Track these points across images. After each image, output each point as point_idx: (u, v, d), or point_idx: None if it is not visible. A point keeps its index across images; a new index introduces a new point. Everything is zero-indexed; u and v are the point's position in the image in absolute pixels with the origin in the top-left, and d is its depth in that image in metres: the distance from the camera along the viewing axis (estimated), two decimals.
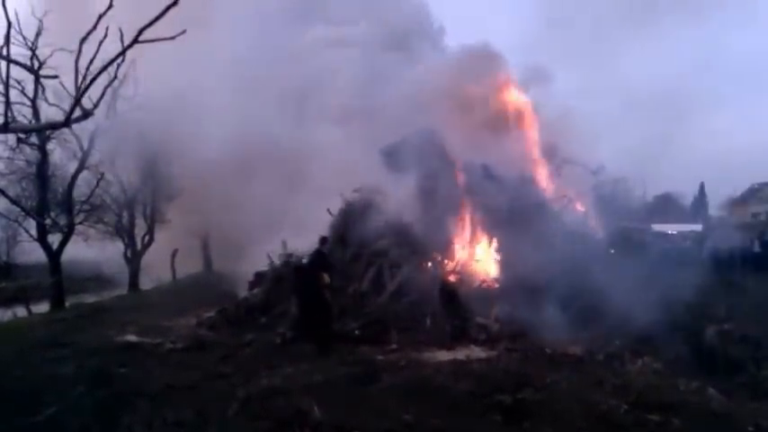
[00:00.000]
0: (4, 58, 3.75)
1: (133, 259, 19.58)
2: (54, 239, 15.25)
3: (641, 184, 31.32)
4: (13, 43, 10.13)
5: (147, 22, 3.52)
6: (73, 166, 15.47)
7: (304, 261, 8.05)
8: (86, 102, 4.27)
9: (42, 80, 10.56)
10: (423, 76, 13.46)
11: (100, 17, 3.51)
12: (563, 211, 12.00)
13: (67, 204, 15.40)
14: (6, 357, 7.47)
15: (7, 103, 3.91)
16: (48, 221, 14.77)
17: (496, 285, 9.56)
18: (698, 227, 40.14)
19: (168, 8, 3.28)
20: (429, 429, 4.34)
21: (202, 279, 18.23)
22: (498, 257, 10.13)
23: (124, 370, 6.27)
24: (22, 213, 15.50)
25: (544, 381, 5.31)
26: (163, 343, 7.98)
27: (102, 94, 4.25)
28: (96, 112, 4.63)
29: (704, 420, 4.47)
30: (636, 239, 14.00)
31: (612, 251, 11.80)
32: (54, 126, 10.08)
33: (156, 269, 20.47)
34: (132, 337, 8.44)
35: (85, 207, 16.85)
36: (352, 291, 9.03)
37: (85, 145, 14.90)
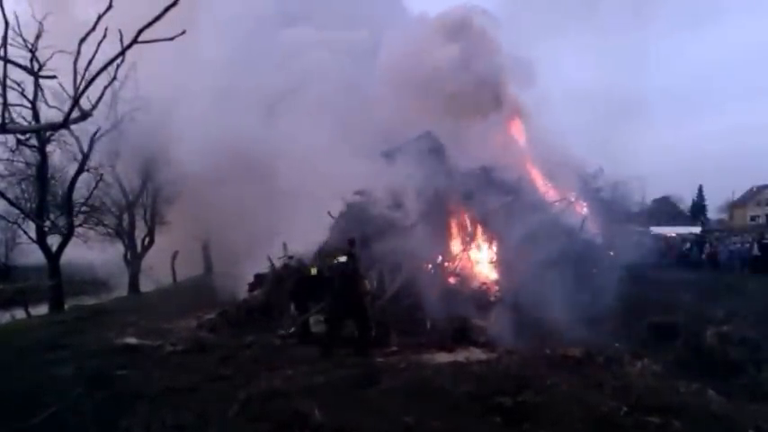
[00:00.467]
0: (1, 58, 3.75)
1: (133, 261, 19.58)
2: (53, 241, 15.24)
3: (640, 186, 31.40)
4: (13, 45, 10.20)
5: (145, 22, 3.53)
6: (73, 168, 15.49)
7: (339, 263, 7.57)
8: (86, 103, 4.28)
9: (42, 82, 10.63)
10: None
11: (99, 18, 3.51)
12: (563, 213, 12.00)
13: (67, 206, 15.40)
14: (5, 359, 7.46)
15: (5, 104, 3.91)
16: (47, 223, 14.76)
17: (496, 288, 9.56)
18: (697, 229, 40.26)
19: (168, 8, 3.29)
20: (429, 431, 4.33)
21: (202, 281, 18.21)
22: (498, 260, 10.14)
23: (124, 372, 6.26)
24: (22, 215, 15.52)
25: (544, 383, 5.30)
26: (163, 345, 7.97)
27: (101, 95, 4.25)
28: (96, 113, 4.64)
29: (704, 422, 4.46)
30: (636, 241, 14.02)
31: (612, 253, 11.81)
32: (52, 127, 10.11)
33: (157, 271, 20.47)
34: (132, 340, 8.42)
35: (85, 209, 16.87)
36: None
37: (85, 147, 14.91)
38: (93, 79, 3.73)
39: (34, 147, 14.11)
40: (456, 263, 10.03)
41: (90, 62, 3.70)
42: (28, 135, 12.81)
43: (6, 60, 3.82)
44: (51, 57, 10.38)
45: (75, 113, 4.07)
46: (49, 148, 14.60)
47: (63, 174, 16.39)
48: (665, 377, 5.88)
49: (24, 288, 16.99)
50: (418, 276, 9.20)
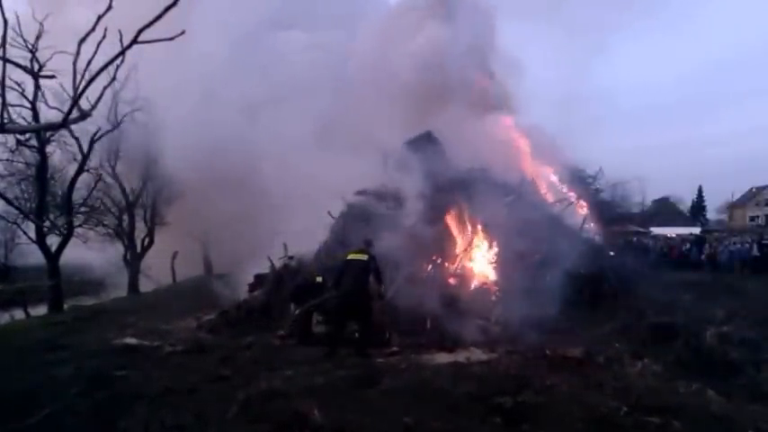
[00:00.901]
0: (0, 58, 3.75)
1: (133, 262, 19.56)
2: (53, 242, 15.23)
3: (640, 187, 31.50)
4: (14, 45, 10.21)
5: (141, 22, 3.54)
6: (72, 169, 15.49)
7: (359, 261, 7.38)
8: (86, 104, 4.29)
9: (43, 83, 10.62)
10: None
11: (99, 18, 3.52)
12: (564, 213, 12.02)
13: (67, 207, 15.40)
14: (5, 359, 7.45)
15: (3, 104, 3.90)
16: (46, 224, 14.75)
17: (496, 288, 9.56)
18: (696, 230, 40.33)
19: (168, 9, 3.30)
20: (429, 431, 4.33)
21: (202, 282, 18.19)
22: (498, 260, 10.14)
23: (123, 372, 6.24)
24: (21, 215, 15.52)
25: (544, 383, 5.30)
26: (162, 345, 7.95)
27: (101, 96, 4.26)
28: (96, 113, 4.64)
29: (704, 423, 4.46)
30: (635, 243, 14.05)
31: (612, 254, 11.83)
32: (51, 127, 10.11)
33: (156, 272, 20.46)
34: (131, 340, 8.40)
35: (84, 209, 16.87)
36: None
37: (85, 147, 14.91)
38: (92, 79, 3.74)
39: (34, 147, 14.11)
40: (456, 263, 10.03)
41: (89, 62, 3.70)
42: (28, 135, 12.82)
43: (6, 60, 3.82)
44: (51, 57, 10.38)
45: (75, 114, 4.07)
46: (48, 148, 14.61)
47: (63, 174, 16.40)
48: (665, 377, 5.88)
49: (24, 288, 16.98)
50: (418, 276, 9.19)
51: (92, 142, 14.88)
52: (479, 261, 10.27)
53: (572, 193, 12.88)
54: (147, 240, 20.48)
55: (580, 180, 14.49)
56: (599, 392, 5.14)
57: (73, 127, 11.71)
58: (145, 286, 19.83)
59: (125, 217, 19.41)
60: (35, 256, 16.45)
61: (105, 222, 18.89)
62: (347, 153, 11.67)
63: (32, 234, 15.19)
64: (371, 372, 6.06)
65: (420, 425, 4.38)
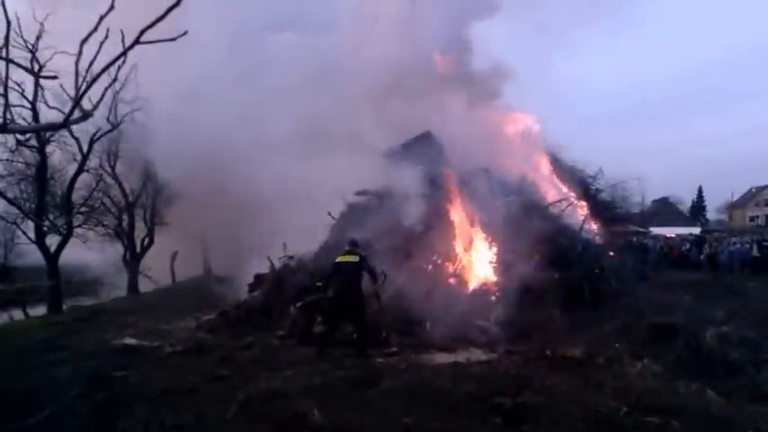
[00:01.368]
0: (2, 58, 3.75)
1: (132, 262, 19.56)
2: (52, 242, 15.23)
3: (640, 188, 31.52)
4: (14, 46, 10.20)
5: (140, 22, 3.54)
6: (72, 169, 15.49)
7: (349, 263, 7.42)
8: (86, 104, 4.29)
9: (43, 83, 10.61)
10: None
11: (101, 18, 3.52)
12: (563, 214, 12.01)
13: (66, 207, 15.39)
14: (4, 360, 7.44)
15: (6, 105, 3.91)
16: (46, 223, 14.75)
17: (496, 288, 9.56)
18: (696, 230, 40.34)
19: (170, 9, 3.30)
20: None
21: (202, 282, 18.19)
22: (498, 260, 10.14)
23: (122, 373, 6.24)
24: (20, 215, 15.51)
25: (544, 383, 5.30)
26: (162, 346, 7.95)
27: (102, 96, 4.26)
28: (96, 113, 4.64)
29: (704, 423, 4.46)
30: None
31: (612, 254, 11.83)
32: (53, 127, 10.12)
33: (156, 272, 20.45)
34: (131, 340, 8.40)
35: (84, 209, 16.87)
36: None
37: (85, 147, 14.91)
38: (94, 80, 3.74)
39: (34, 147, 14.11)
40: (456, 263, 10.02)
41: (91, 63, 3.70)
42: (28, 135, 12.82)
43: (8, 60, 3.82)
44: (51, 57, 10.37)
45: (77, 114, 4.07)
46: (48, 148, 14.61)
47: (62, 174, 16.40)
48: (665, 377, 5.87)
49: (23, 289, 16.98)
50: (418, 276, 9.19)
51: (91, 142, 14.88)
52: (479, 261, 10.27)
53: (572, 194, 12.88)
54: (146, 240, 20.47)
55: (580, 180, 14.46)
56: (599, 392, 5.14)
57: (73, 127, 11.70)
58: (144, 286, 19.82)
59: (125, 217, 19.40)
60: (34, 257, 16.45)
61: (105, 222, 18.89)
62: (347, 153, 11.66)
63: (32, 234, 15.19)
64: (371, 372, 6.06)
65: (420, 425, 4.38)
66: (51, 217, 15.76)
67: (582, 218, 12.03)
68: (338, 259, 7.41)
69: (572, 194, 12.77)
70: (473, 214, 10.59)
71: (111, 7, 3.51)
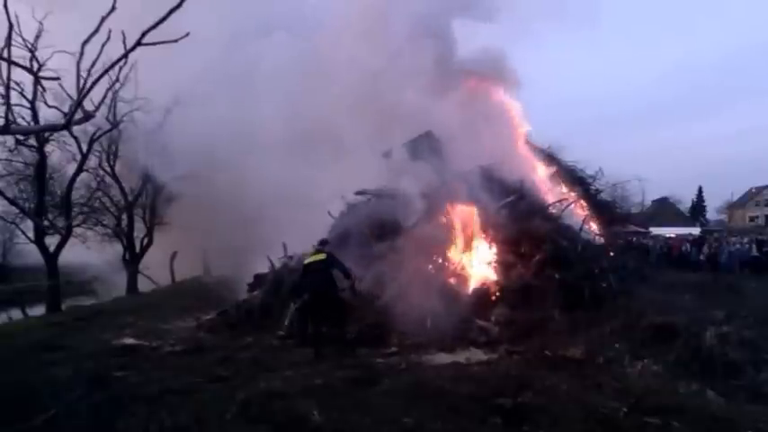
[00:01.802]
0: (4, 59, 3.75)
1: (132, 262, 19.54)
2: (51, 242, 15.22)
3: (640, 188, 31.53)
4: (14, 45, 10.16)
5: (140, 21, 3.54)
6: (71, 168, 15.48)
7: (317, 262, 7.56)
8: (87, 104, 4.28)
9: (42, 82, 10.58)
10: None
11: (103, 19, 3.52)
12: (563, 214, 12.01)
13: (66, 206, 15.37)
14: (2, 360, 7.43)
15: (8, 105, 3.90)
16: (45, 223, 14.74)
17: (496, 288, 9.55)
18: (696, 230, 40.35)
19: (172, 11, 3.30)
20: None
21: (201, 282, 18.17)
22: (498, 260, 10.13)
23: (121, 373, 6.23)
24: (19, 215, 15.50)
25: (544, 383, 5.30)
26: (161, 346, 7.95)
27: (104, 97, 4.26)
28: (96, 113, 4.64)
29: (704, 423, 4.46)
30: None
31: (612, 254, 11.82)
32: (55, 128, 10.09)
33: (155, 272, 20.43)
34: (130, 340, 8.40)
35: (84, 209, 16.85)
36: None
37: (84, 147, 14.89)
38: (96, 81, 3.73)
39: (33, 147, 14.10)
40: (456, 263, 10.02)
41: (93, 63, 3.69)
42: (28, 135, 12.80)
43: (10, 62, 3.82)
44: (51, 57, 10.36)
45: (78, 115, 4.06)
46: (47, 147, 14.60)
47: (62, 174, 16.39)
48: (665, 377, 5.87)
49: (22, 289, 16.97)
50: (418, 276, 9.18)
51: (91, 142, 14.86)
52: (479, 261, 10.26)
53: (572, 193, 12.88)
54: (146, 240, 20.45)
55: (580, 180, 14.46)
56: (599, 393, 5.14)
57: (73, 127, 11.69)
58: (144, 286, 19.81)
59: (124, 217, 19.38)
60: (33, 257, 16.45)
61: (104, 222, 18.87)
62: (347, 153, 11.68)
63: (31, 234, 15.18)
64: (371, 372, 6.06)
65: (420, 425, 4.38)
66: (51, 217, 15.75)
67: (582, 218, 12.03)
68: (306, 260, 7.53)
69: (572, 195, 12.77)
70: (473, 214, 10.58)
71: (113, 8, 3.51)
